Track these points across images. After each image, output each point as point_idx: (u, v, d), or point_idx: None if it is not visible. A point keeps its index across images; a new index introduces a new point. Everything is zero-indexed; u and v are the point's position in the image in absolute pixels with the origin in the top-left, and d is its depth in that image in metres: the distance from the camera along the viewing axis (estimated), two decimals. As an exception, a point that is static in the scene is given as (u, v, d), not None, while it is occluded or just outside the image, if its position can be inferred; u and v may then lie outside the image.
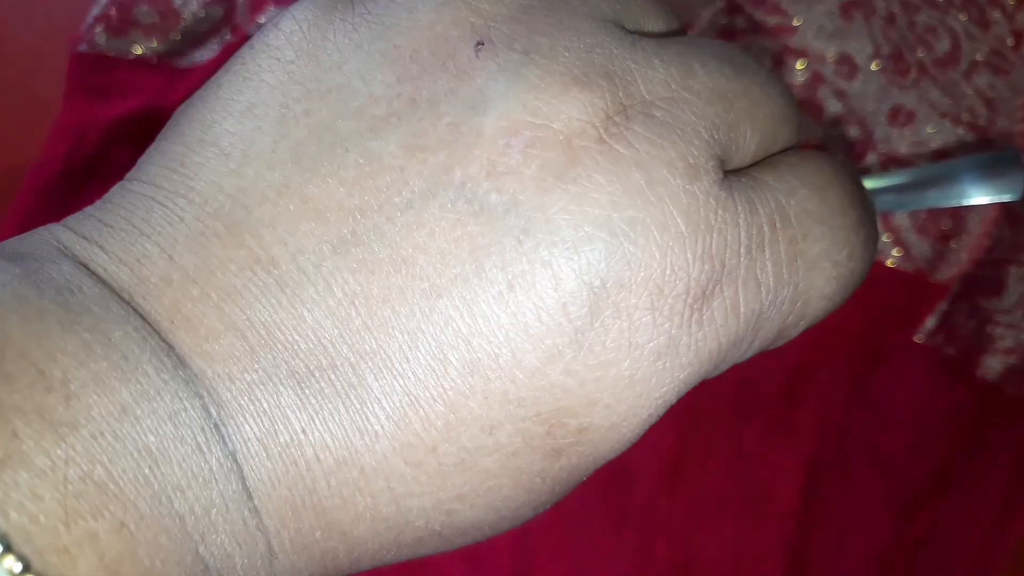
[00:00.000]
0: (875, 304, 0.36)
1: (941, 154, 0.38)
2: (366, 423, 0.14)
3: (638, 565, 0.34)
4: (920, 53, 0.38)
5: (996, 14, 0.39)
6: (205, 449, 0.13)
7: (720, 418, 0.35)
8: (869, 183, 0.35)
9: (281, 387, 0.14)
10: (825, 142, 0.38)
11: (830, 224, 0.15)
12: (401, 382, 0.14)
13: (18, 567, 0.12)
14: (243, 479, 0.14)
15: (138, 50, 0.38)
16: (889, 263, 0.37)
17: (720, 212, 0.14)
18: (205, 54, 0.38)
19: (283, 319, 0.14)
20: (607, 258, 0.14)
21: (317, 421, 0.14)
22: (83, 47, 0.38)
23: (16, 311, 0.13)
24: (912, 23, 0.39)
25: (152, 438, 0.13)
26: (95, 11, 0.38)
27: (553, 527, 0.34)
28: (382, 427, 0.14)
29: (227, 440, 0.13)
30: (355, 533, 0.14)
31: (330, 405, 0.14)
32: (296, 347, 0.14)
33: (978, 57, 0.38)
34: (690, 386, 0.15)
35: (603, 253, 0.14)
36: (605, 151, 0.14)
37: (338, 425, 0.14)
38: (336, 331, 0.14)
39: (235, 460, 0.14)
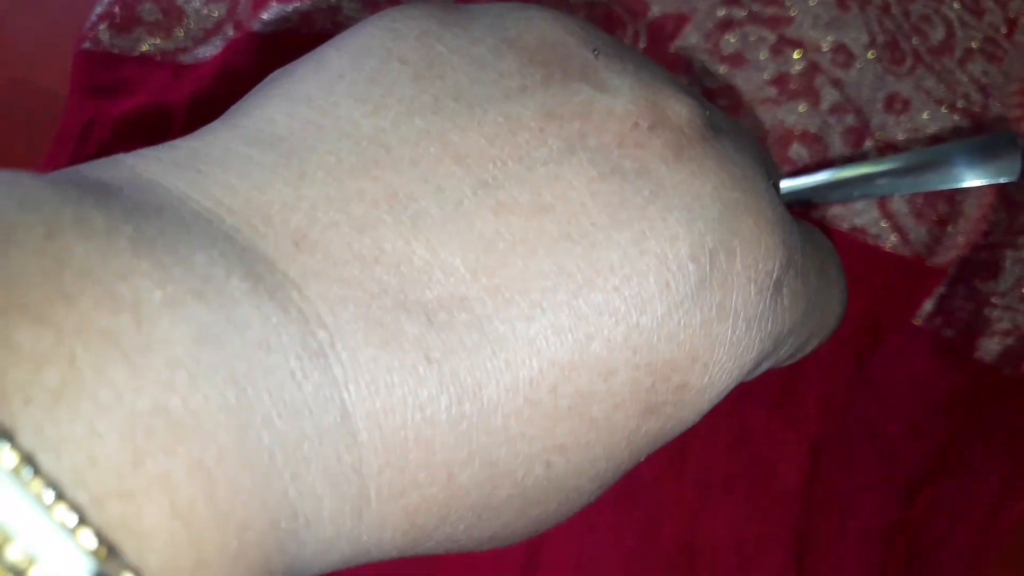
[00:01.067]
0: (874, 288, 0.37)
1: (937, 140, 0.38)
2: (493, 356, 0.14)
3: (644, 544, 0.35)
4: (915, 41, 0.39)
5: (989, 2, 0.39)
6: (300, 376, 0.13)
7: (725, 400, 0.36)
8: (866, 168, 0.35)
9: (406, 316, 0.13)
10: (822, 130, 0.38)
11: (835, 259, 0.18)
12: (534, 319, 0.14)
13: (73, 519, 0.10)
14: (345, 411, 0.13)
15: (143, 47, 0.39)
16: (887, 248, 0.37)
17: (785, 215, 0.16)
18: (209, 51, 0.39)
19: (415, 250, 0.14)
20: (720, 226, 0.15)
21: (443, 350, 0.14)
22: (87, 45, 0.39)
23: (77, 229, 0.12)
24: (907, 12, 0.39)
25: (239, 365, 0.12)
26: (99, 9, 0.39)
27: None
28: (509, 361, 0.14)
29: (333, 367, 0.13)
30: (460, 479, 0.14)
31: (458, 336, 0.14)
32: (428, 279, 0.14)
33: (972, 45, 0.39)
34: (755, 367, 0.16)
35: (717, 221, 0.15)
36: (710, 144, 0.16)
37: (465, 355, 0.14)
38: (472, 266, 0.14)
39: (339, 389, 0.13)
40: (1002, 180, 0.31)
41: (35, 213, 0.12)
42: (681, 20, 0.39)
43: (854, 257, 0.37)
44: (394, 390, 0.13)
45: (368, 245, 0.14)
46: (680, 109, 0.16)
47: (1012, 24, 0.39)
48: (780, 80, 0.39)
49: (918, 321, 0.37)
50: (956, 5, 0.39)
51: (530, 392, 0.14)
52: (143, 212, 0.13)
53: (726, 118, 0.18)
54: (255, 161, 0.14)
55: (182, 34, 0.39)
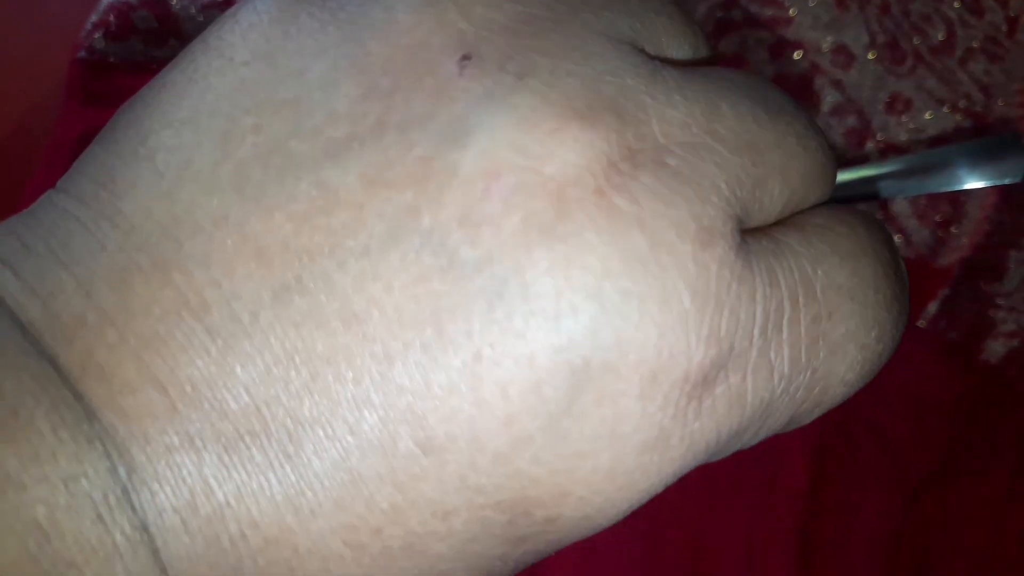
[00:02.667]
0: (877, 290, 0.37)
1: (939, 140, 0.38)
2: (301, 499, 0.12)
3: (648, 549, 0.34)
4: (915, 41, 0.39)
5: (990, 1, 0.39)
6: (108, 520, 0.11)
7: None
8: (868, 171, 0.35)
9: (205, 452, 0.12)
10: (823, 132, 0.38)
11: (861, 301, 0.13)
12: (344, 456, 0.12)
13: None
14: (156, 553, 0.12)
15: (137, 56, 0.39)
16: (890, 250, 0.37)
17: (734, 286, 0.12)
18: (205, 57, 0.39)
19: (212, 374, 0.12)
20: (593, 335, 0.12)
21: (245, 493, 0.12)
22: (82, 53, 0.38)
23: None
24: (907, 11, 0.39)
25: (41, 509, 0.11)
26: (94, 17, 0.38)
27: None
28: (320, 505, 0.12)
29: (138, 509, 0.12)
30: None
31: (261, 477, 0.12)
32: (225, 407, 0.12)
33: (973, 44, 0.39)
34: (679, 476, 0.13)
35: (589, 329, 0.12)
36: (603, 205, 0.12)
37: (269, 500, 0.12)
38: (272, 392, 0.12)
39: (147, 531, 0.12)
40: (1006, 181, 0.31)
41: None
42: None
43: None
44: (197, 537, 0.12)
45: (160, 367, 0.12)
46: (564, 154, 0.12)
47: (1013, 23, 0.39)
48: (780, 81, 0.38)
49: (922, 324, 0.37)
50: (956, 4, 0.39)
51: (349, 537, 0.12)
52: None
53: (699, 112, 0.13)
54: (54, 255, 0.13)
55: (177, 42, 0.39)
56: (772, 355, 0.13)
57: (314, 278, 0.12)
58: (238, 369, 0.12)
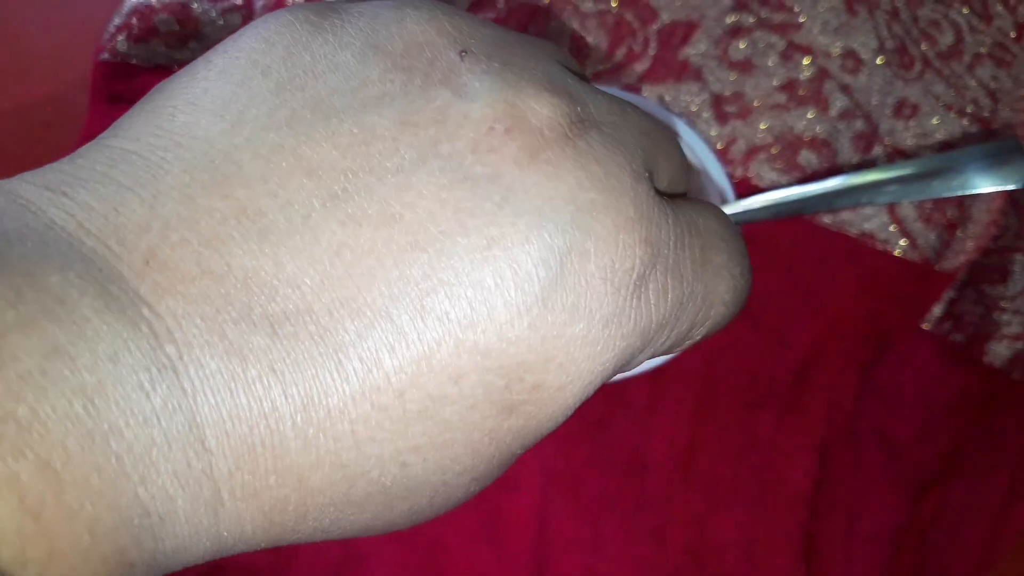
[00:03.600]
0: (883, 293, 0.37)
1: (946, 145, 0.38)
2: (338, 365, 0.14)
3: (653, 549, 0.35)
4: (924, 47, 0.39)
5: (998, 7, 0.39)
6: (149, 388, 0.13)
7: (732, 407, 0.36)
8: (875, 175, 0.36)
9: (254, 327, 0.14)
10: (831, 136, 0.38)
11: (728, 243, 0.18)
12: (378, 328, 0.15)
13: None
14: (193, 420, 0.14)
15: (159, 58, 0.39)
16: (896, 253, 0.37)
17: (656, 210, 0.16)
18: (224, 60, 0.39)
19: (262, 265, 0.14)
20: (572, 228, 0.15)
21: (288, 360, 0.14)
22: (106, 56, 0.39)
23: None
24: (915, 17, 0.39)
25: (88, 377, 0.13)
26: (116, 20, 0.39)
27: (572, 513, 0.35)
28: (354, 369, 0.14)
29: (182, 379, 0.14)
30: (311, 481, 0.15)
31: (302, 346, 0.14)
32: (274, 292, 0.14)
33: (981, 50, 0.39)
34: (623, 363, 0.17)
35: (569, 223, 0.15)
36: (571, 144, 0.16)
37: (309, 364, 0.14)
38: (318, 279, 0.14)
39: (187, 399, 0.14)
40: (1009, 187, 0.31)
41: None
42: (691, 27, 0.39)
43: (863, 263, 0.37)
44: (239, 399, 0.14)
45: (216, 261, 0.14)
46: (541, 109, 0.16)
47: (1021, 29, 0.39)
48: (789, 86, 0.39)
49: (927, 326, 0.37)
50: (965, 10, 0.39)
51: (376, 398, 0.15)
52: (7, 239, 0.14)
53: (614, 107, 0.18)
54: (116, 182, 0.15)
55: (198, 44, 0.39)
56: (680, 266, 0.17)
57: (357, 189, 0.15)
58: (287, 261, 0.14)
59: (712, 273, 0.18)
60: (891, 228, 0.38)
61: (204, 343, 0.14)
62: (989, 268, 0.37)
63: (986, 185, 0.33)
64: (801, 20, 0.39)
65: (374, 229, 0.15)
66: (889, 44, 0.39)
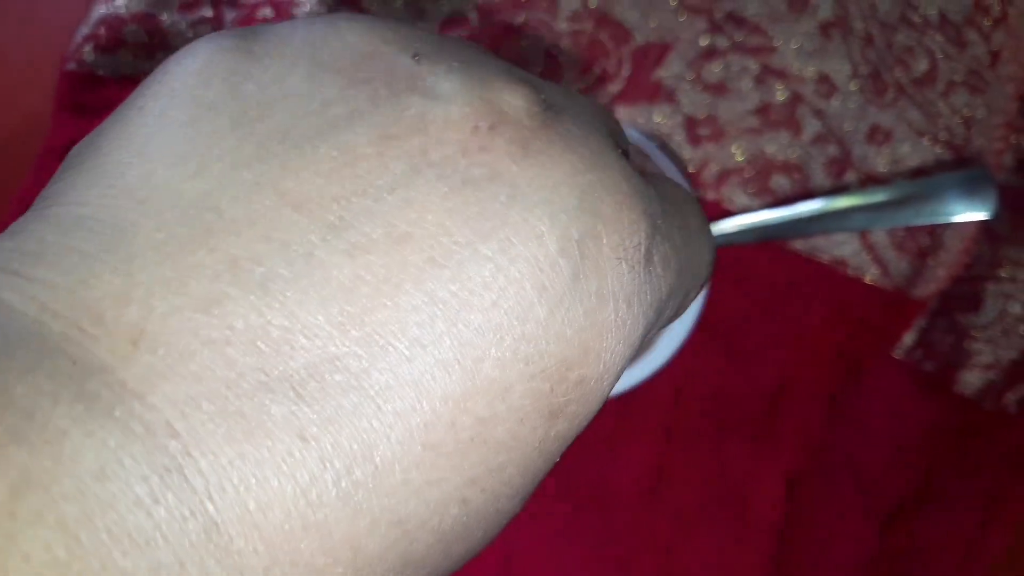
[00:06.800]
0: (854, 320, 0.37)
1: (919, 172, 0.38)
2: (378, 411, 0.13)
3: (618, 579, 0.34)
4: (898, 73, 0.39)
5: (973, 35, 0.39)
6: (150, 501, 0.11)
7: (701, 434, 0.36)
8: (847, 201, 0.35)
9: (272, 395, 0.12)
10: (804, 161, 0.38)
11: (694, 206, 0.18)
12: (415, 358, 0.13)
13: None
14: (211, 523, 0.12)
15: (126, 69, 0.39)
16: (868, 280, 0.37)
17: (642, 184, 0.16)
18: (193, 73, 0.39)
19: (270, 320, 0.13)
20: (581, 213, 0.15)
21: (319, 422, 0.12)
22: (72, 66, 0.39)
23: None
24: (890, 43, 0.39)
25: (69, 508, 0.11)
26: (84, 30, 0.39)
27: (536, 545, 0.34)
28: (396, 410, 0.13)
29: (192, 478, 0.12)
30: (368, 549, 0.13)
31: (333, 402, 0.13)
32: (290, 349, 0.13)
33: (955, 77, 0.39)
34: (642, 340, 0.16)
35: (577, 209, 0.15)
36: (552, 130, 0.15)
37: (345, 420, 0.13)
38: (338, 321, 0.13)
39: (201, 500, 0.12)
40: (981, 215, 0.31)
41: None
42: (664, 49, 0.39)
43: (834, 289, 0.37)
44: (268, 484, 0.12)
45: (216, 327, 0.12)
46: (515, 101, 0.15)
47: (995, 57, 0.39)
48: (763, 110, 0.39)
49: (898, 354, 0.37)
50: (939, 37, 0.39)
51: (427, 437, 0.13)
52: None
53: (561, 91, 0.17)
54: (76, 250, 0.13)
55: (166, 57, 0.39)
56: (671, 234, 0.17)
57: (355, 215, 0.14)
58: (299, 308, 0.13)
59: (693, 237, 0.17)
60: (863, 255, 0.37)
61: (215, 429, 0.12)
62: (961, 296, 0.37)
63: (958, 214, 0.33)
64: (776, 44, 0.39)
65: (385, 254, 0.13)
66: (863, 70, 0.39)
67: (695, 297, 0.18)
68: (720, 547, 0.35)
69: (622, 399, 0.35)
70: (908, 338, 0.37)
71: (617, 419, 0.35)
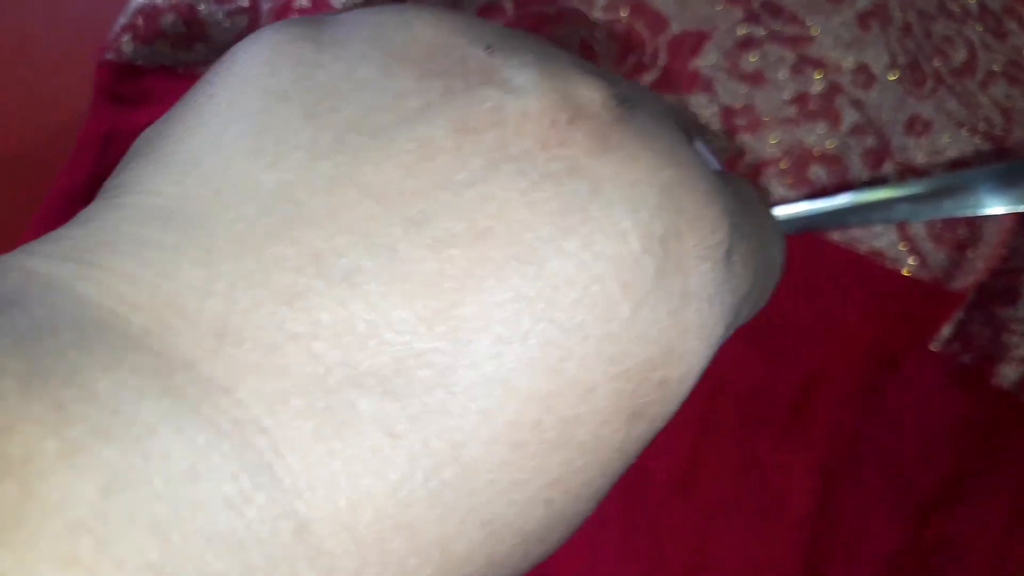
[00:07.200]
0: (891, 313, 0.37)
1: (958, 163, 0.38)
2: (465, 409, 0.13)
3: (650, 568, 0.35)
4: (936, 63, 0.39)
5: (1012, 24, 0.39)
6: (240, 501, 0.11)
7: (733, 425, 0.36)
8: (886, 192, 0.35)
9: (359, 392, 0.12)
10: (842, 151, 0.38)
11: (763, 205, 0.18)
12: (502, 354, 0.13)
13: None
14: (301, 524, 0.11)
15: (164, 59, 0.39)
16: (905, 272, 0.37)
17: (717, 178, 0.16)
18: (230, 62, 0.39)
19: (355, 313, 0.12)
20: (663, 210, 0.14)
21: (407, 418, 0.12)
22: (110, 56, 0.39)
23: None
24: (928, 33, 0.39)
25: (160, 508, 0.10)
26: (122, 20, 0.39)
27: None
28: (483, 409, 0.13)
29: (282, 477, 0.11)
30: (456, 551, 0.13)
31: (420, 399, 0.12)
32: (377, 343, 0.12)
33: (994, 67, 0.39)
34: (728, 332, 0.16)
35: (659, 206, 0.14)
36: (628, 125, 0.15)
37: (432, 417, 0.12)
38: (424, 315, 0.13)
39: (292, 499, 0.11)
40: (1021, 208, 0.31)
41: None
42: (701, 38, 0.39)
43: (872, 281, 0.37)
44: (359, 482, 0.12)
45: (302, 320, 0.12)
46: (592, 94, 0.15)
47: (1036, 47, 0.39)
48: (800, 100, 0.38)
49: (935, 347, 0.37)
50: (978, 27, 0.39)
51: (512, 436, 0.13)
52: (37, 334, 0.11)
53: (631, 85, 0.17)
54: (153, 242, 0.12)
55: (204, 46, 0.39)
56: (749, 232, 0.16)
57: (436, 209, 0.13)
58: (383, 302, 0.13)
59: (768, 235, 0.17)
60: (900, 246, 0.37)
61: (303, 426, 0.12)
62: (999, 289, 0.37)
63: (998, 206, 0.32)
64: (813, 34, 0.39)
65: (467, 249, 0.13)
66: (901, 60, 0.39)
67: (768, 298, 0.18)
68: (751, 539, 0.35)
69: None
70: (946, 330, 0.37)
71: (651, 410, 0.35)
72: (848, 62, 0.39)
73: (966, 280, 0.37)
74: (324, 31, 0.15)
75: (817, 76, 0.39)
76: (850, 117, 0.38)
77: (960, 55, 0.39)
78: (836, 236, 0.37)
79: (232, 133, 0.14)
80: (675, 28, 0.39)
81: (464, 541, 0.13)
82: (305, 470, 0.12)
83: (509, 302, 0.13)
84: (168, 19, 0.39)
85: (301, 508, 0.11)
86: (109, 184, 0.14)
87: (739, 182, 0.17)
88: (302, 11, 0.39)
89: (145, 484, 0.10)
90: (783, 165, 0.38)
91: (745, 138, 0.38)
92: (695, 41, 0.39)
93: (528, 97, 0.14)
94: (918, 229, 0.37)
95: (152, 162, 0.14)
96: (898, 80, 0.38)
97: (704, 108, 0.39)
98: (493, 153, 0.14)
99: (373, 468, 0.12)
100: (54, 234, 0.13)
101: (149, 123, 0.39)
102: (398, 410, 0.12)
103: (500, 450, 0.13)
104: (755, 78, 0.39)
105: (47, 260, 0.12)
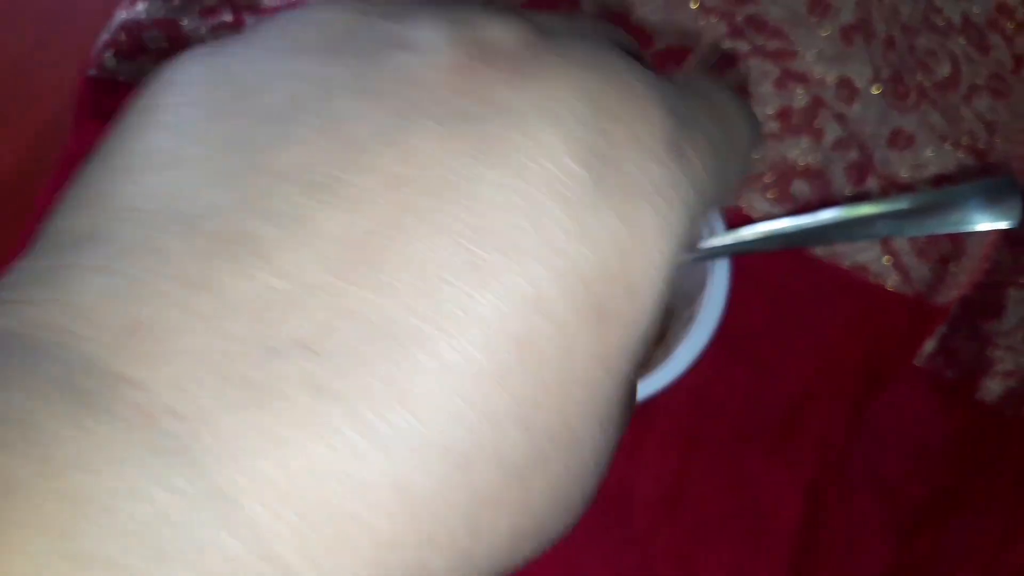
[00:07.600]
0: (875, 327, 0.37)
1: (941, 177, 0.38)
2: (412, 359, 0.12)
3: (638, 588, 0.34)
4: (920, 77, 0.39)
5: (996, 38, 0.39)
6: (152, 489, 0.11)
7: (721, 442, 0.36)
8: (870, 209, 0.35)
9: (282, 356, 0.12)
10: (825, 165, 0.38)
11: (726, 93, 0.18)
12: (438, 292, 0.13)
13: None
14: (226, 497, 0.11)
15: (147, 75, 0.39)
16: (889, 286, 0.37)
17: (656, 77, 0.16)
18: (213, 78, 0.39)
19: (267, 283, 0.12)
20: (592, 117, 0.14)
21: (341, 378, 0.12)
22: (93, 72, 0.39)
23: None
24: (912, 47, 0.39)
25: (59, 507, 0.10)
26: (105, 36, 0.39)
27: (554, 551, 0.35)
28: (429, 349, 0.12)
29: (199, 455, 0.11)
30: (418, 485, 0.12)
31: (356, 355, 0.12)
32: (294, 308, 0.12)
33: (978, 81, 0.39)
34: (689, 226, 0.15)
35: (587, 114, 0.14)
36: (548, 50, 0.15)
37: (371, 373, 0.12)
38: (342, 271, 0.12)
39: (210, 475, 0.11)
40: (1004, 225, 0.31)
41: None
42: (685, 52, 0.39)
43: (855, 296, 0.37)
44: (285, 445, 0.11)
45: (206, 301, 0.12)
46: (502, 33, 0.15)
47: (1019, 61, 0.39)
48: (783, 114, 0.39)
49: (919, 361, 0.37)
50: (962, 41, 0.39)
51: (468, 369, 0.13)
52: None
53: (561, 17, 0.17)
54: (63, 266, 0.12)
55: (186, 63, 0.39)
56: (699, 121, 0.16)
57: (345, 168, 0.13)
58: (293, 266, 0.12)
59: (730, 118, 0.17)
60: (884, 260, 0.37)
61: (218, 401, 0.11)
62: (983, 303, 0.37)
63: (982, 223, 0.32)
64: (797, 48, 0.39)
65: (384, 201, 0.13)
66: (885, 73, 0.39)
67: (742, 175, 0.18)
68: (739, 556, 0.35)
69: (642, 407, 0.35)
70: (929, 345, 0.37)
71: (637, 426, 0.35)
72: (831, 76, 0.39)
73: (950, 294, 0.37)
74: (231, 43, 0.15)
75: (800, 91, 0.39)
76: (833, 131, 0.38)
77: (944, 69, 0.39)
78: (819, 251, 0.37)
79: (139, 152, 0.14)
80: (660, 44, 0.39)
81: (425, 475, 0.12)
82: (223, 444, 0.11)
83: (436, 239, 0.13)
84: (151, 34, 0.39)
85: (221, 482, 0.11)
86: (41, 227, 0.14)
87: (696, 81, 0.17)
88: (285, 27, 0.39)
89: (40, 486, 0.10)
90: (766, 180, 0.38)
91: (729, 153, 0.38)
92: (679, 56, 0.39)
93: (432, 51, 0.14)
94: (901, 243, 0.37)
95: (70, 200, 0.14)
96: (881, 94, 0.38)
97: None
98: (404, 109, 0.14)
99: (303, 427, 0.11)
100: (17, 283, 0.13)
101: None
102: (328, 368, 0.12)
103: (463, 387, 0.12)
104: (739, 93, 0.39)
105: None
